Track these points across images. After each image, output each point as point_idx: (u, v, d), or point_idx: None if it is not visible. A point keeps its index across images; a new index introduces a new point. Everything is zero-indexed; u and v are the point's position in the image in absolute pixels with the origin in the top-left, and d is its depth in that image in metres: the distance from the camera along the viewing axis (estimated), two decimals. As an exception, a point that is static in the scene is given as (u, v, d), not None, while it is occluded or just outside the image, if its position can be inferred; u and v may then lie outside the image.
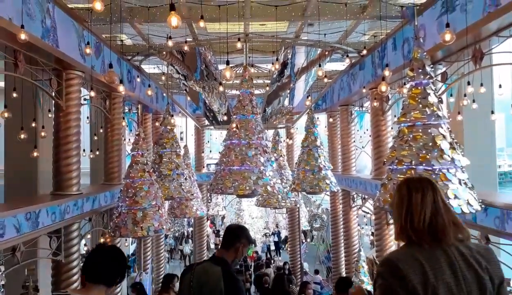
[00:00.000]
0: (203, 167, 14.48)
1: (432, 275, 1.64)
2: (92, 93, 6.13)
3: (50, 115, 7.17)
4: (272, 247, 19.90)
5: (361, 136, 12.23)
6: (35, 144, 6.64)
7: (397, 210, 1.88)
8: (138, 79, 9.42)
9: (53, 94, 6.39)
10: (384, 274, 1.72)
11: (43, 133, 6.65)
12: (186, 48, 7.14)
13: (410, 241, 1.78)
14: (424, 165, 3.75)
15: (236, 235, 3.27)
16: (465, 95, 5.71)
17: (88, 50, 5.36)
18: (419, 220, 1.78)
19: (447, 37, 3.83)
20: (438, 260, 1.69)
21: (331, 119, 12.43)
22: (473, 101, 5.77)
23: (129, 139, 11.42)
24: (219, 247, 3.33)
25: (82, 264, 3.92)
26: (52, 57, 6.03)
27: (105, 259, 2.28)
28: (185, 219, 17.68)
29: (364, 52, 7.51)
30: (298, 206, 11.26)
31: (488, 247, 1.85)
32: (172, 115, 7.96)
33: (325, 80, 10.05)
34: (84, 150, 7.78)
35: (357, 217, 11.37)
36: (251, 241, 3.90)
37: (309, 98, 8.47)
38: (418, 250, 1.73)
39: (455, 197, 3.68)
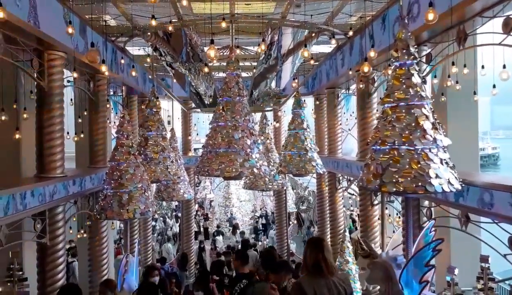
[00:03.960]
0: (190, 151, 14.44)
1: (318, 291, 3.53)
2: (75, 75, 6.02)
3: (32, 97, 7.05)
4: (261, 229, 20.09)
5: (347, 119, 12.29)
6: (17, 126, 6.53)
7: (304, 258, 3.83)
8: (123, 61, 9.28)
9: (35, 75, 6.27)
10: (295, 290, 3.67)
11: (25, 115, 6.54)
12: (170, 28, 7.04)
13: (309, 273, 3.67)
14: (406, 144, 3.79)
15: (281, 267, 5.55)
16: (449, 76, 5.76)
17: (70, 30, 5.23)
18: (312, 264, 3.66)
19: (430, 16, 3.84)
20: (321, 284, 3.58)
21: (317, 102, 12.44)
22: (457, 82, 5.83)
23: (115, 122, 11.30)
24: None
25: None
26: (33, 37, 5.89)
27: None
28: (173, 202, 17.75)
29: (350, 33, 7.49)
30: (285, 188, 11.36)
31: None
32: (158, 98, 7.88)
33: (312, 62, 10.06)
34: (68, 133, 7.68)
35: (342, 198, 11.51)
36: (292, 271, 6.47)
37: (296, 80, 8.45)
38: (312, 278, 3.61)
39: (437, 176, 3.74)
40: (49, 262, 6.20)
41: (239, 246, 14.75)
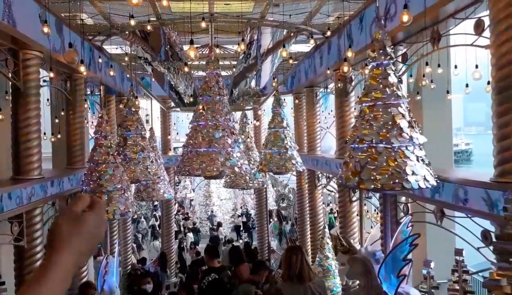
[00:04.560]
0: (170, 150, 14.34)
1: None
2: (51, 74, 5.91)
3: (7, 97, 6.89)
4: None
5: (325, 117, 12.44)
6: (-8, 128, 6.37)
7: (284, 264, 4.10)
8: (101, 60, 9.15)
9: (10, 75, 6.13)
10: None
11: (0, 116, 6.38)
12: (149, 27, 6.99)
13: (288, 279, 3.96)
14: (384, 143, 3.90)
15: (259, 267, 5.87)
16: (423, 75, 5.92)
17: (46, 29, 5.14)
18: (294, 271, 3.92)
19: (405, 18, 3.95)
20: (299, 290, 3.89)
21: (296, 101, 12.55)
22: (431, 81, 6.00)
23: (92, 122, 11.14)
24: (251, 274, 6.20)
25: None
26: (7, 36, 5.76)
27: None
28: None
29: (328, 33, 7.59)
30: (265, 186, 11.43)
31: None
32: (137, 97, 7.82)
33: (291, 61, 10.15)
34: (45, 133, 7.54)
35: (322, 195, 11.66)
36: (270, 270, 6.87)
37: (275, 80, 8.52)
38: (290, 285, 3.92)
39: (413, 173, 3.86)
40: (27, 266, 6.09)
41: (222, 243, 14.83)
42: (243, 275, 6.58)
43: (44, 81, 7.41)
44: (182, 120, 20.47)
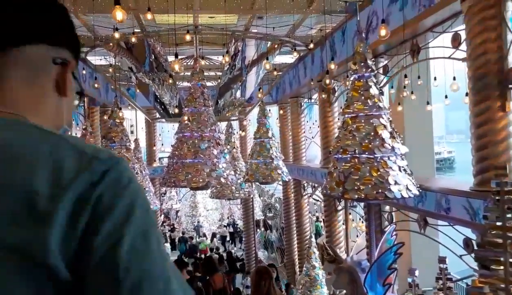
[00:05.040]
0: (155, 161, 14.27)
1: None
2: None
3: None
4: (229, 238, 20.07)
5: (310, 127, 12.55)
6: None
7: (252, 286, 4.53)
8: (84, 72, 9.10)
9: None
10: None
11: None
12: (133, 39, 7.00)
13: None
14: (366, 153, 3.97)
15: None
16: (404, 87, 6.05)
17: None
18: (261, 293, 4.23)
19: (383, 32, 4.05)
20: None
21: (281, 111, 12.65)
22: (412, 92, 6.13)
23: (76, 134, 11.02)
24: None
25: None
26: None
27: None
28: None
29: (311, 45, 7.71)
30: (252, 196, 11.45)
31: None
32: (121, 108, 7.78)
33: (275, 73, 10.26)
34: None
35: (308, 204, 11.72)
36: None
37: (261, 90, 8.59)
38: None
39: (396, 182, 3.93)
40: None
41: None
42: (216, 284, 6.67)
43: (27, 93, 7.32)
44: (168, 131, 20.40)
